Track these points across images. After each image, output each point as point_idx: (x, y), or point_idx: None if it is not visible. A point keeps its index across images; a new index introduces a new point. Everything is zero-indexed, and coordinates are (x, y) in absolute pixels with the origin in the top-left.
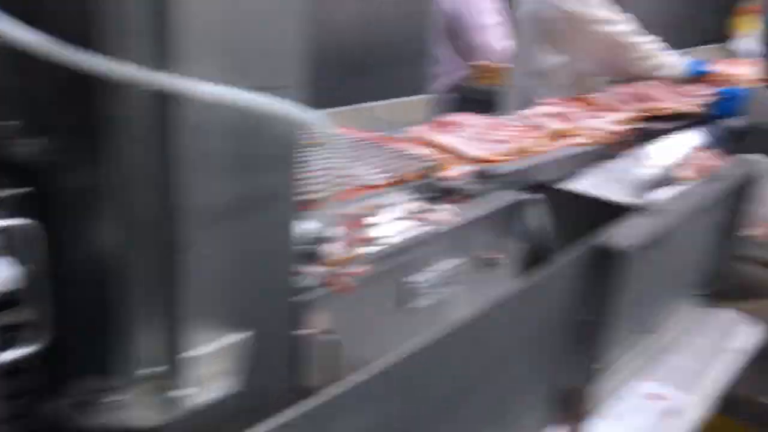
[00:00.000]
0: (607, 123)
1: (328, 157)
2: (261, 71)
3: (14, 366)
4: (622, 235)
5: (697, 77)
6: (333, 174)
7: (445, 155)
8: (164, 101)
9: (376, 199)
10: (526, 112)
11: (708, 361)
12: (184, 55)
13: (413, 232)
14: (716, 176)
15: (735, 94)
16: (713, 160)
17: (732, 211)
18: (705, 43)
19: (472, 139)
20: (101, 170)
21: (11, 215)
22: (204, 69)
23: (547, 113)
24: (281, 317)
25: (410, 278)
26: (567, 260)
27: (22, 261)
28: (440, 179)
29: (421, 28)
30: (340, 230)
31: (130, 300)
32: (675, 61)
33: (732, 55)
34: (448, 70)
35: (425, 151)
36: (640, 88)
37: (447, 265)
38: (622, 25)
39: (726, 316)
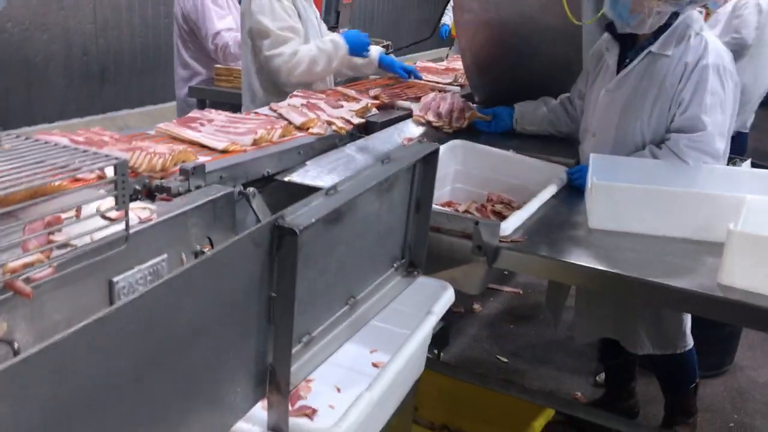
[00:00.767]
0: (347, 112)
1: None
2: None
3: None
4: (296, 214)
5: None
6: (11, 178)
7: (191, 148)
8: None
9: (61, 199)
10: (275, 104)
11: (412, 324)
12: None
13: (108, 232)
14: (395, 157)
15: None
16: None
17: (419, 188)
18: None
19: (216, 132)
20: None
21: None
22: None
23: (291, 105)
24: None
25: (114, 278)
26: (239, 240)
27: None
28: (147, 177)
29: (169, 35)
30: (22, 234)
31: None
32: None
33: None
34: (189, 76)
35: (174, 146)
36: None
37: (152, 261)
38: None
39: (426, 283)
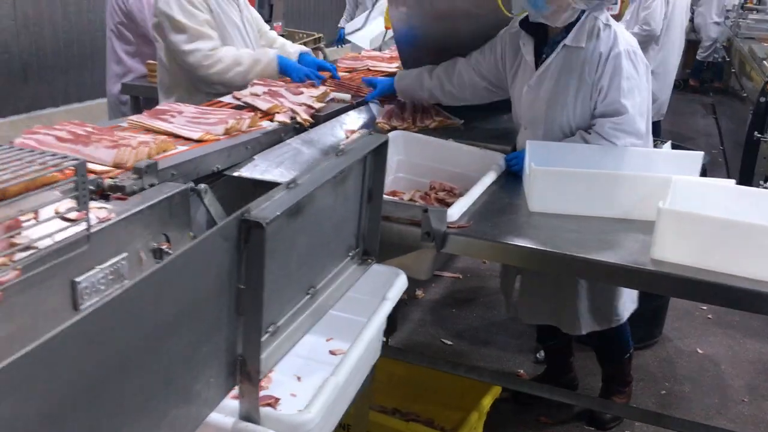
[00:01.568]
0: (308, 98)
1: None
2: None
3: None
4: (260, 207)
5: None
6: None
7: (165, 139)
8: None
9: (22, 203)
10: (238, 93)
11: (368, 311)
12: None
13: (67, 233)
14: (347, 149)
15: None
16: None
17: (370, 179)
18: None
19: (188, 123)
20: None
21: None
22: None
23: (254, 93)
24: None
25: (76, 278)
26: (209, 235)
27: None
28: (100, 177)
29: (94, 30)
30: None
31: None
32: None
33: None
34: (122, 72)
35: (146, 137)
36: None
37: (112, 261)
38: None
39: (378, 270)
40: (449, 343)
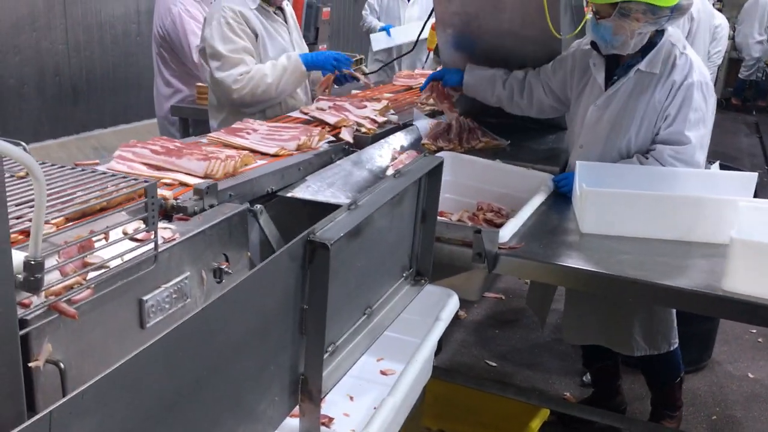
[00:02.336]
0: (371, 111)
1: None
2: None
3: None
4: (324, 228)
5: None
6: (45, 202)
7: (247, 153)
8: None
9: (93, 224)
10: (306, 107)
11: (417, 332)
12: None
13: (136, 253)
14: (404, 171)
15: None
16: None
17: (425, 200)
18: None
19: (263, 140)
20: None
21: None
22: None
23: (320, 108)
24: (3, 351)
25: (143, 297)
26: (278, 256)
27: None
28: (163, 199)
29: (141, 53)
30: (58, 258)
31: None
32: None
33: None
34: (171, 94)
35: (231, 151)
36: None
37: (176, 280)
38: None
39: (430, 291)
40: (493, 364)
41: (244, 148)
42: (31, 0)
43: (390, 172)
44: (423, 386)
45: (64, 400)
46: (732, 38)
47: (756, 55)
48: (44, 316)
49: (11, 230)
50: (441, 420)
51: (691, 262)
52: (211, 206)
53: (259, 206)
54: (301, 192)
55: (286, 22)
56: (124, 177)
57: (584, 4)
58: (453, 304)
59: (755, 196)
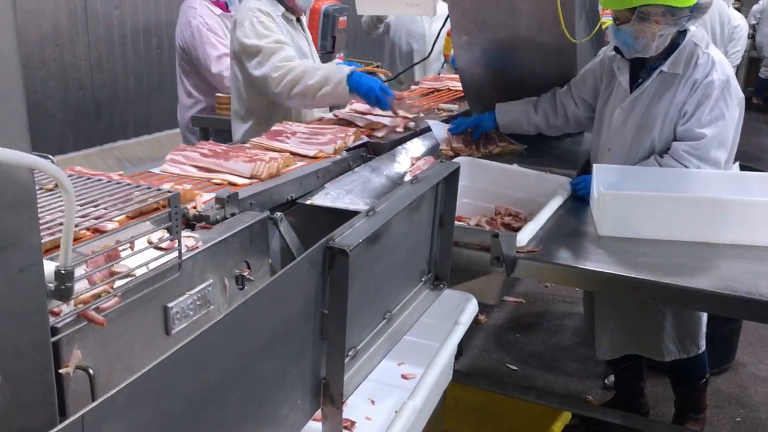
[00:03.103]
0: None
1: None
2: None
3: None
4: (343, 235)
5: None
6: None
7: (288, 156)
8: None
9: (119, 234)
10: (338, 111)
11: (437, 336)
12: None
13: (160, 261)
14: (421, 177)
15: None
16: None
17: (442, 205)
18: None
19: (302, 143)
20: None
21: None
22: None
23: (355, 110)
24: (36, 358)
25: (168, 304)
26: (298, 262)
27: None
28: (185, 208)
29: (162, 65)
30: (86, 267)
31: None
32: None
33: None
34: (192, 104)
35: (274, 154)
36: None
37: (200, 287)
38: None
39: (449, 295)
40: (514, 368)
41: (284, 151)
42: (54, 17)
43: (408, 178)
44: (443, 390)
45: (95, 403)
46: (752, 37)
47: None
48: (74, 323)
49: (42, 240)
50: (462, 424)
51: (710, 264)
52: (233, 215)
53: (279, 214)
54: (320, 199)
55: (304, 31)
56: (148, 187)
57: (599, 8)
58: (472, 307)
59: None
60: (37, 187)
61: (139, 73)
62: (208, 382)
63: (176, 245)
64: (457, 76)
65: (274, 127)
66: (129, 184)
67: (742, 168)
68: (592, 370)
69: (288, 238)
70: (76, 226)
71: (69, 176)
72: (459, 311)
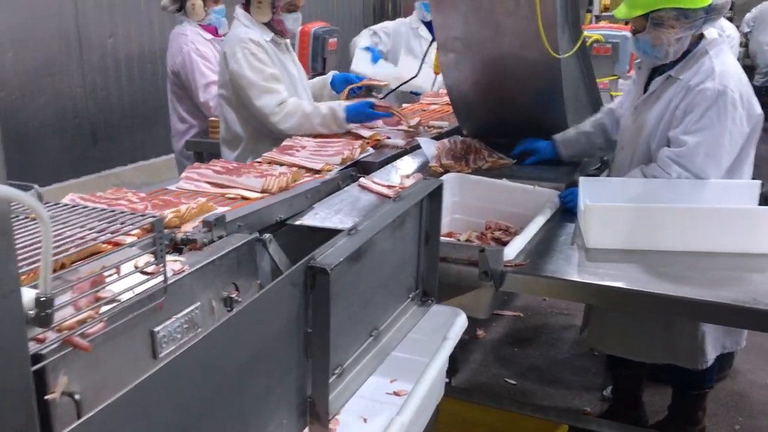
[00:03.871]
0: (405, 127)
1: (53, 225)
2: None
3: None
4: (325, 254)
5: None
6: (51, 241)
7: (297, 170)
8: None
9: (103, 260)
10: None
11: (428, 352)
12: None
13: (146, 286)
14: (404, 195)
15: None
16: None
17: (427, 221)
18: None
19: (310, 156)
20: None
21: None
22: None
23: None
24: (16, 385)
25: (155, 328)
26: (279, 282)
27: None
28: (172, 232)
29: (156, 91)
30: (70, 293)
31: None
32: None
33: None
34: (186, 129)
35: (283, 169)
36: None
37: (187, 310)
38: None
39: (438, 311)
40: (513, 382)
41: (294, 165)
42: (48, 46)
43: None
44: (435, 405)
45: (74, 425)
46: (745, 45)
47: None
48: (59, 349)
49: (31, 267)
50: None
51: (697, 273)
52: (220, 237)
53: (268, 235)
54: (309, 219)
55: (290, 53)
56: (131, 213)
57: (581, 21)
58: (461, 322)
59: (765, 203)
60: (21, 217)
61: (133, 99)
62: (191, 402)
63: (161, 269)
64: None
65: (285, 142)
66: (113, 211)
67: None
68: (591, 382)
69: (278, 258)
70: (61, 253)
71: (52, 204)
72: (448, 326)
